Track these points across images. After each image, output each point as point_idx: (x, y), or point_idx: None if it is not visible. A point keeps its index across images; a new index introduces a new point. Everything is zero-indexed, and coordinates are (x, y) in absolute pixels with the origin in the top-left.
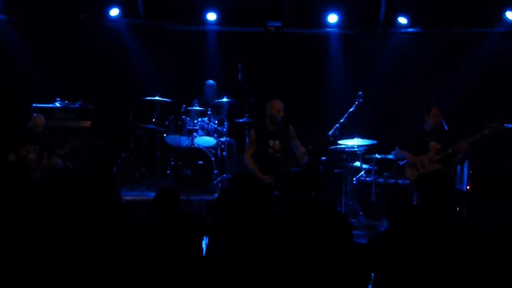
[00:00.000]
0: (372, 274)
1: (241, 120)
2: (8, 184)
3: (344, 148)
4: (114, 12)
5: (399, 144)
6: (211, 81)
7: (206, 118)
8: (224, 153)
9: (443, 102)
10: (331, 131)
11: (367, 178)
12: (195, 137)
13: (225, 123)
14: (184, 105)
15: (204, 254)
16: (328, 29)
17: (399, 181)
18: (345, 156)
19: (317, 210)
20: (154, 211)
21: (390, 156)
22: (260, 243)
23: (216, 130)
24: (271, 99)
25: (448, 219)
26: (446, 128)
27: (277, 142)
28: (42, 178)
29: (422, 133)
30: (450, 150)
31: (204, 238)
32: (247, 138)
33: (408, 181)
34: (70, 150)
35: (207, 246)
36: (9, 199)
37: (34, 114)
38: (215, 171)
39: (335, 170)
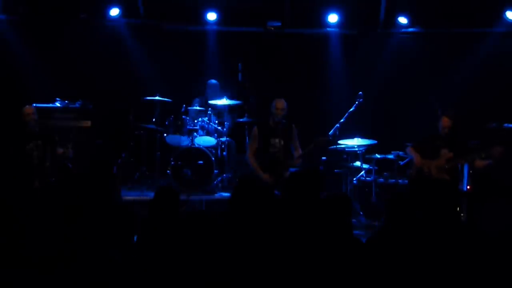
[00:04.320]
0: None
1: (241, 120)
2: (9, 185)
3: (344, 148)
4: (114, 12)
5: (413, 143)
6: (213, 81)
7: (206, 118)
8: (224, 153)
9: (442, 102)
10: (331, 131)
11: (367, 178)
12: (195, 137)
13: (225, 123)
14: (184, 105)
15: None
16: (328, 29)
17: (399, 181)
18: (345, 156)
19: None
20: (153, 211)
21: (390, 156)
22: (262, 241)
23: (216, 130)
24: (275, 98)
25: (447, 222)
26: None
27: (280, 141)
28: (47, 179)
29: (435, 136)
30: (462, 161)
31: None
32: (247, 137)
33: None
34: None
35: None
36: (9, 199)
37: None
38: (215, 171)
39: (335, 170)
